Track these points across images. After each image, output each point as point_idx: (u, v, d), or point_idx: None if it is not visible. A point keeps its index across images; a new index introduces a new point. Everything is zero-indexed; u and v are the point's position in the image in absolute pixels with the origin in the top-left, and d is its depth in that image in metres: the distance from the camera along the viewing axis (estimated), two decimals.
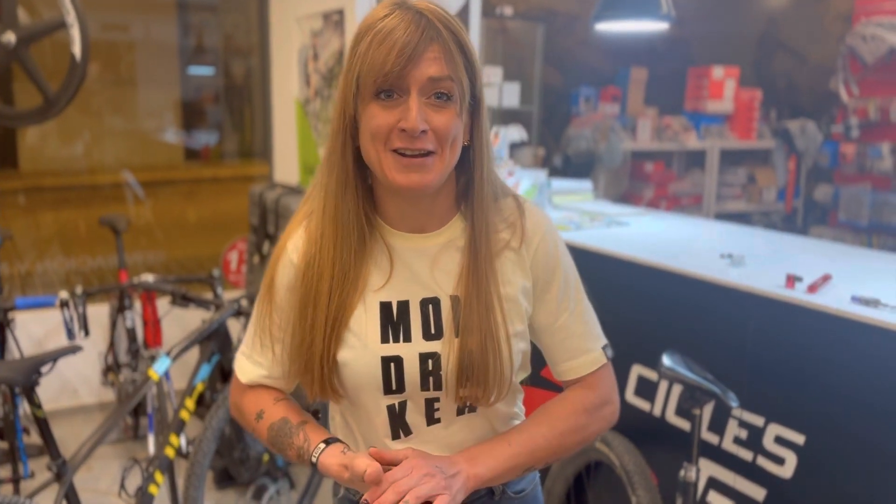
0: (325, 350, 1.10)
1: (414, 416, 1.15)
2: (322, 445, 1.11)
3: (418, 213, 1.13)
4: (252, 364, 1.22)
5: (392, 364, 1.11)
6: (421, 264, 1.13)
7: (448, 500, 1.01)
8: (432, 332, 1.12)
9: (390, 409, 1.14)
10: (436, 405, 1.14)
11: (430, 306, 1.12)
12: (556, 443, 1.15)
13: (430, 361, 1.11)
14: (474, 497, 1.18)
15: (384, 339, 1.11)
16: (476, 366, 1.09)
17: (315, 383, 1.12)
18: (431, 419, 1.15)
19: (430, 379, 1.11)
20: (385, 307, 1.12)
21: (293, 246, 1.16)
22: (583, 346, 1.21)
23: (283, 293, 1.16)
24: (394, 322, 1.11)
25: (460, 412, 1.16)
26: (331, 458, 1.09)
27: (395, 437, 1.16)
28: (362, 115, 1.06)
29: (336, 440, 1.12)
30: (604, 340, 1.25)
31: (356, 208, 1.11)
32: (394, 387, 1.12)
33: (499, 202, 1.17)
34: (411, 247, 1.14)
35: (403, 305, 1.12)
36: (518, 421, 1.23)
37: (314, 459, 1.10)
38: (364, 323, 1.11)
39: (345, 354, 1.11)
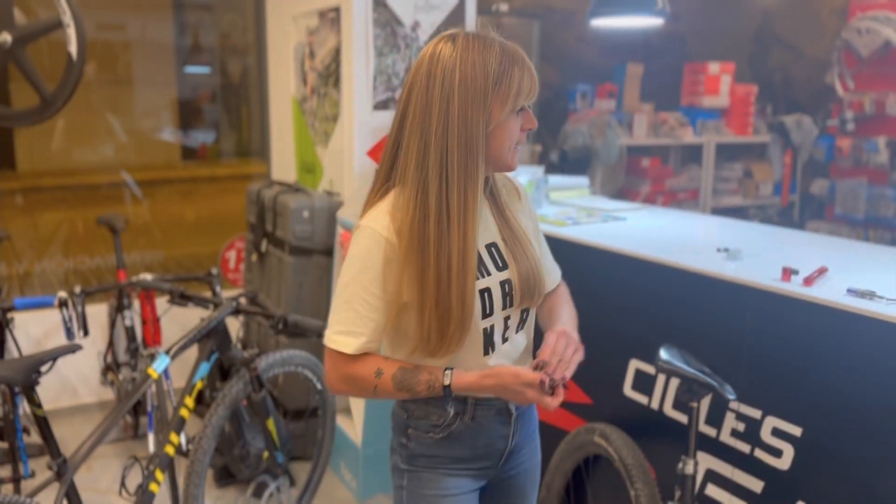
0: (460, 297, 1.40)
1: (497, 334, 1.50)
2: (448, 371, 1.43)
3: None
4: (353, 337, 1.45)
5: (485, 294, 1.46)
6: (481, 221, 1.49)
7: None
8: (499, 265, 1.50)
9: (485, 330, 1.48)
10: (508, 322, 1.52)
11: (493, 248, 1.50)
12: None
13: (505, 285, 1.49)
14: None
15: (479, 277, 1.46)
16: (531, 281, 1.50)
17: (453, 324, 1.40)
18: (503, 338, 1.52)
19: (507, 299, 1.49)
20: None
21: (383, 227, 1.43)
22: (553, 265, 1.69)
23: (379, 265, 1.43)
24: (478, 264, 1.47)
25: (517, 330, 1.55)
26: (464, 377, 1.43)
27: (486, 353, 1.50)
28: (501, 127, 1.42)
29: (450, 368, 1.44)
30: None
31: (476, 191, 1.43)
32: (488, 311, 1.46)
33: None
34: (480, 213, 1.48)
35: (478, 252, 1.47)
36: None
37: (447, 381, 1.42)
38: (473, 271, 1.44)
39: (465, 294, 1.41)
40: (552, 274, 1.67)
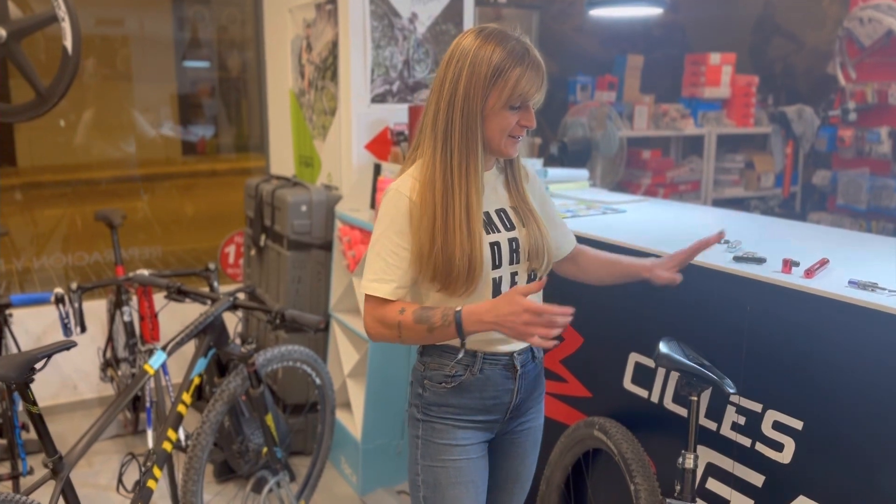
0: (467, 247, 1.62)
1: (505, 286, 1.70)
2: (460, 307, 1.60)
3: (488, 162, 1.75)
4: (384, 283, 1.66)
5: (494, 247, 1.68)
6: (492, 188, 1.75)
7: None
8: (507, 226, 1.73)
9: (494, 280, 1.69)
10: (515, 278, 1.72)
11: (502, 213, 1.74)
12: None
13: (513, 243, 1.71)
14: (526, 360, 1.78)
15: (487, 233, 1.69)
16: (537, 246, 1.72)
17: (460, 271, 1.62)
18: None
19: (515, 255, 1.71)
20: (485, 214, 1.71)
21: (407, 189, 1.67)
22: (567, 231, 1.96)
23: (404, 221, 1.66)
24: (486, 223, 1.70)
25: None
26: (472, 310, 1.58)
27: None
28: (498, 115, 1.63)
29: (462, 307, 1.61)
30: None
31: (477, 156, 1.66)
32: (496, 262, 1.68)
33: None
34: (487, 181, 1.73)
35: (487, 214, 1.71)
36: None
37: (459, 309, 1.59)
38: (477, 224, 1.66)
39: (478, 247, 1.63)
40: (567, 236, 1.94)
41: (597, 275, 1.95)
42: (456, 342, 1.72)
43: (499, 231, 1.71)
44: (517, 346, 1.76)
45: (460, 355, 1.72)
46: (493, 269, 1.69)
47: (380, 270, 1.67)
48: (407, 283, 1.68)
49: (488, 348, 1.73)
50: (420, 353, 1.80)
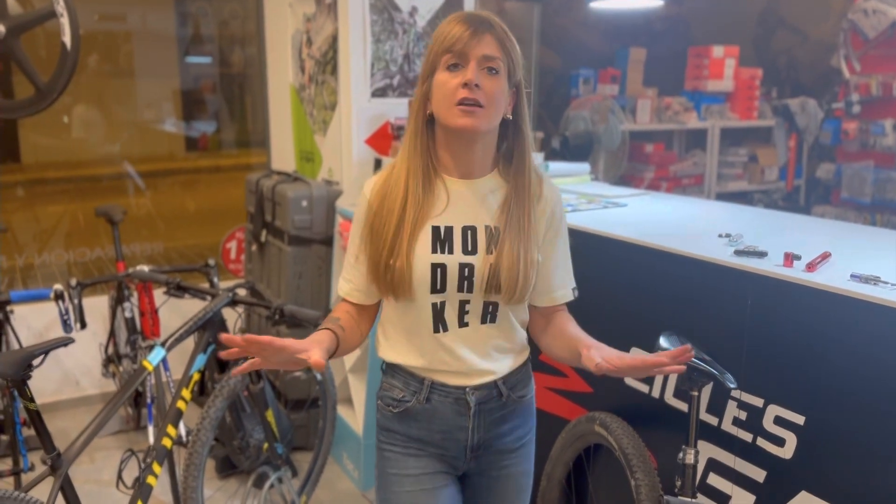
0: (392, 258, 1.49)
1: (450, 314, 1.54)
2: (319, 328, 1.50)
3: (468, 164, 1.55)
4: (345, 281, 1.63)
5: (438, 269, 1.50)
6: (469, 202, 1.54)
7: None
8: (469, 249, 1.52)
9: (434, 305, 1.53)
10: (466, 307, 1.54)
11: (469, 232, 1.53)
12: None
13: (465, 269, 1.51)
14: (487, 398, 1.60)
15: (433, 251, 1.51)
16: (503, 278, 1.50)
17: (386, 283, 1.51)
18: (462, 322, 1.55)
19: (465, 283, 1.52)
20: (435, 229, 1.52)
21: (369, 188, 1.58)
22: (568, 279, 1.67)
23: (363, 222, 1.57)
24: (441, 240, 1.52)
25: (483, 321, 1.56)
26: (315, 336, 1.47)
27: (436, 330, 1.55)
28: (435, 84, 1.47)
29: (333, 323, 1.55)
30: (574, 283, 1.68)
31: (424, 155, 1.53)
32: (438, 286, 1.51)
33: (533, 169, 1.59)
34: (461, 189, 1.55)
35: (449, 229, 1.53)
36: (521, 335, 1.65)
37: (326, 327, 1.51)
38: (420, 240, 1.51)
39: (404, 261, 1.49)
40: (561, 289, 1.65)
41: (555, 346, 1.63)
42: (409, 362, 1.59)
43: (451, 252, 1.52)
44: (473, 380, 1.59)
45: (409, 378, 1.60)
46: (432, 292, 1.52)
47: (345, 269, 1.64)
48: (364, 286, 1.60)
49: (437, 377, 1.59)
50: (382, 369, 1.69)
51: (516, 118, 1.55)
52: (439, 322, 1.54)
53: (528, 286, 1.53)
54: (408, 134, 1.55)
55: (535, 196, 1.56)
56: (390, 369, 1.64)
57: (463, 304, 1.53)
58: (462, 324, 1.55)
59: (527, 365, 1.70)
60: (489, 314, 1.56)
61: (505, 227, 1.52)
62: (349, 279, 1.62)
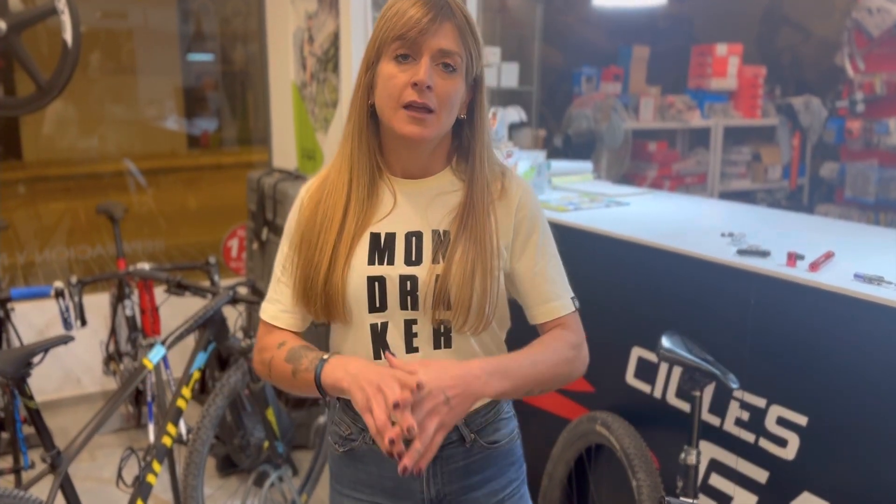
0: (324, 271, 1.26)
1: (395, 337, 1.28)
2: (325, 357, 1.24)
3: (414, 163, 1.31)
4: (271, 303, 1.35)
5: (376, 283, 1.26)
6: (416, 205, 1.30)
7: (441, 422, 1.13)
8: (413, 258, 1.27)
9: (373, 327, 1.28)
10: (414, 328, 1.28)
11: (414, 238, 1.28)
12: (552, 372, 1.28)
13: (408, 283, 1.26)
14: (445, 442, 1.27)
15: (370, 262, 1.27)
16: (453, 292, 1.24)
17: (317, 302, 1.28)
18: (410, 346, 1.29)
19: (409, 299, 1.26)
20: (374, 237, 1.29)
21: (305, 190, 1.35)
22: (557, 291, 1.35)
23: (297, 232, 1.32)
24: (380, 249, 1.28)
25: (437, 345, 1.29)
26: (342, 364, 1.21)
27: (377, 357, 1.29)
28: (380, 74, 1.23)
29: (336, 355, 1.25)
30: (572, 293, 1.38)
31: (368, 153, 1.30)
32: (377, 304, 1.27)
33: (492, 166, 1.35)
34: (408, 190, 1.31)
35: (390, 236, 1.29)
36: None
37: (326, 357, 1.24)
38: (356, 249, 1.28)
39: (339, 274, 1.26)
40: (544, 304, 1.34)
41: None
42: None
43: (391, 263, 1.27)
44: None
45: (357, 413, 1.29)
46: (370, 311, 1.27)
47: (272, 288, 1.36)
48: (293, 307, 1.33)
49: None
50: (336, 399, 1.40)
51: (472, 116, 1.31)
52: (381, 346, 1.28)
53: (486, 303, 1.25)
54: (348, 129, 1.31)
55: (495, 193, 1.31)
56: (341, 401, 1.37)
57: (409, 324, 1.28)
58: (410, 349, 1.29)
59: (499, 404, 1.38)
60: (442, 336, 1.29)
61: (458, 232, 1.26)
62: (276, 299, 1.35)
